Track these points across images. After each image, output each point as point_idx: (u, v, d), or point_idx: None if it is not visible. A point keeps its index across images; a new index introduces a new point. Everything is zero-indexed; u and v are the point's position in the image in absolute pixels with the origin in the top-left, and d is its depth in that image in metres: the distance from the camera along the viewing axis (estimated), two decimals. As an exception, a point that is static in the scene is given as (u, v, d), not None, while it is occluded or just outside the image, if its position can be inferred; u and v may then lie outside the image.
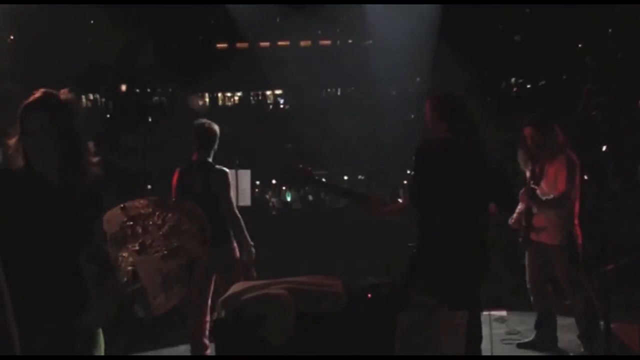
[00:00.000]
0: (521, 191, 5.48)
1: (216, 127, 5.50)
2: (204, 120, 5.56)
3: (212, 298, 5.43)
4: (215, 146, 5.49)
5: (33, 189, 2.59)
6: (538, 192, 5.50)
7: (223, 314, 3.38)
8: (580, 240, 5.56)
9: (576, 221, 5.55)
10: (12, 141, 2.65)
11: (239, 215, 5.42)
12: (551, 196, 5.44)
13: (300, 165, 4.01)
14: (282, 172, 4.16)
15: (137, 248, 2.66)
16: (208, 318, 5.45)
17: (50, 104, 2.63)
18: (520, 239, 5.73)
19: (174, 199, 2.78)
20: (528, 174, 5.64)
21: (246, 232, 5.43)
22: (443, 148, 3.84)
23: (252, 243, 5.48)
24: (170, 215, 2.74)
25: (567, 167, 5.39)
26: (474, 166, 3.86)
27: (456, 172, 3.78)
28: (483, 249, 3.92)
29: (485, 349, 5.78)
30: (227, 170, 5.42)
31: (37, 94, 2.65)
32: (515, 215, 5.75)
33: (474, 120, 4.01)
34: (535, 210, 5.57)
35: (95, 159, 2.75)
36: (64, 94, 2.69)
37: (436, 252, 3.75)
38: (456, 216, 3.78)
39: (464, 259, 3.78)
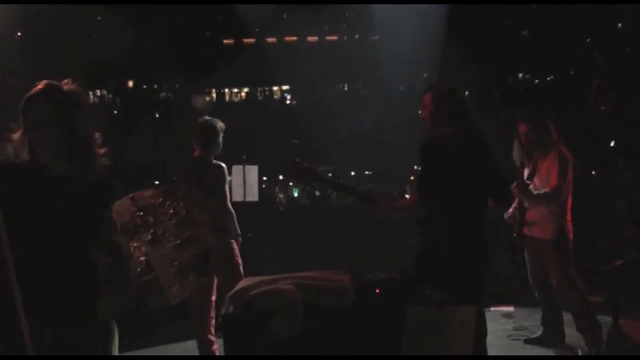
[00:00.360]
0: (512, 185, 5.52)
1: (218, 124, 5.51)
2: (207, 118, 5.58)
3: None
4: (218, 142, 5.49)
5: (39, 182, 2.58)
6: (531, 187, 5.58)
7: (231, 309, 3.38)
8: (571, 236, 5.59)
9: (568, 216, 5.58)
10: (16, 135, 2.63)
11: (232, 209, 5.47)
12: (543, 191, 5.49)
13: (305, 163, 4.02)
14: (286, 169, 4.18)
15: (149, 238, 2.64)
16: (213, 314, 5.45)
17: (53, 95, 2.61)
18: (514, 234, 5.80)
19: (183, 189, 2.74)
20: (523, 169, 5.73)
21: (237, 224, 5.50)
22: (449, 144, 3.84)
23: (240, 233, 5.55)
24: (180, 204, 2.72)
25: (559, 163, 5.46)
26: (477, 161, 3.86)
27: (462, 167, 3.78)
28: (486, 244, 3.93)
29: (493, 345, 5.79)
30: (223, 165, 5.43)
31: (39, 86, 2.63)
32: (510, 210, 5.82)
33: (472, 116, 4.03)
34: (526, 204, 5.63)
35: (102, 150, 2.74)
36: (66, 84, 2.67)
37: (443, 247, 3.75)
38: (463, 211, 3.79)
39: (471, 253, 3.78)
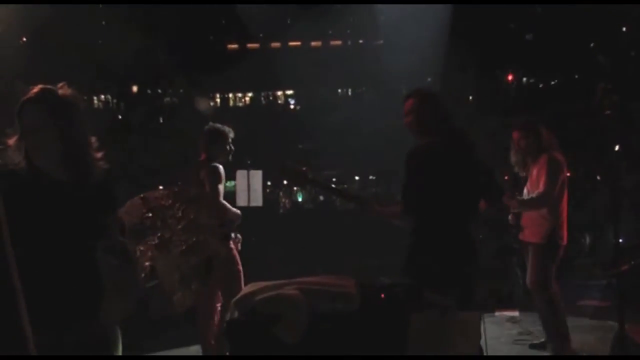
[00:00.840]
0: None
1: (223, 131, 5.54)
2: (212, 124, 5.62)
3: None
4: (223, 149, 5.53)
5: (37, 187, 2.58)
6: (525, 191, 5.62)
7: (236, 314, 3.38)
8: (564, 242, 5.59)
9: (562, 221, 5.58)
10: (12, 140, 2.63)
11: (223, 202, 5.46)
12: (531, 196, 5.53)
13: (295, 165, 4.03)
14: (277, 170, 4.18)
15: (156, 242, 2.64)
16: (217, 319, 5.46)
17: (48, 99, 2.60)
18: (512, 238, 5.84)
19: (194, 191, 2.74)
20: (521, 174, 5.81)
21: (234, 210, 5.51)
22: (433, 153, 3.83)
23: (239, 214, 5.55)
24: (189, 208, 2.73)
25: (548, 168, 5.46)
26: (463, 167, 3.85)
27: (447, 176, 3.77)
28: (474, 247, 3.91)
29: (498, 349, 5.77)
30: (218, 165, 5.45)
31: (35, 90, 2.63)
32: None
33: (456, 120, 4.03)
34: (513, 209, 5.68)
35: (99, 154, 2.73)
36: (61, 88, 2.68)
37: (430, 251, 3.74)
38: (449, 218, 3.77)
39: (458, 257, 3.77)
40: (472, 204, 3.93)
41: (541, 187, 5.46)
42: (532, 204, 5.54)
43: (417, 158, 3.81)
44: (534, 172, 5.60)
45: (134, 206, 2.69)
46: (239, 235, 5.62)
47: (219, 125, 5.62)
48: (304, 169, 4.04)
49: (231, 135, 5.58)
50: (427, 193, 3.73)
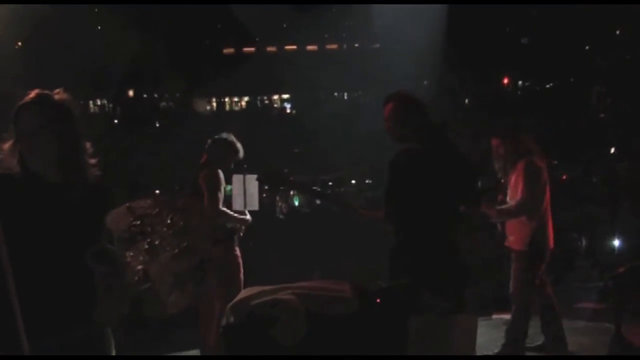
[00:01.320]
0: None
1: (234, 143, 5.58)
2: (227, 134, 5.65)
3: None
4: (229, 161, 5.57)
5: (32, 191, 2.58)
6: (508, 199, 5.59)
7: (232, 319, 3.37)
8: (550, 246, 5.56)
9: (547, 225, 5.55)
10: (6, 145, 2.63)
11: (224, 209, 5.46)
12: (509, 205, 5.50)
13: (276, 169, 4.05)
14: (260, 176, 4.21)
15: (145, 247, 2.62)
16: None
17: (45, 104, 2.60)
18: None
19: (182, 200, 2.71)
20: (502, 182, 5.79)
21: (237, 216, 5.52)
22: (415, 158, 3.82)
23: (249, 219, 5.55)
24: (178, 215, 2.70)
25: (525, 174, 5.40)
26: (445, 172, 3.84)
27: (430, 181, 3.76)
28: (457, 252, 3.90)
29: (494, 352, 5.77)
30: (218, 170, 5.46)
31: (31, 94, 2.63)
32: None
33: (435, 123, 4.03)
34: (493, 218, 5.63)
35: (93, 161, 2.73)
36: (58, 93, 2.67)
37: (414, 258, 3.74)
38: (431, 224, 3.77)
39: (443, 263, 3.77)
40: (452, 208, 3.91)
41: (519, 195, 5.41)
42: (510, 213, 5.48)
43: (397, 164, 3.80)
44: (512, 179, 5.54)
45: (119, 214, 2.66)
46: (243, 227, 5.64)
47: (232, 138, 5.63)
48: (284, 172, 4.07)
49: (240, 154, 5.62)
50: (407, 198, 3.73)
